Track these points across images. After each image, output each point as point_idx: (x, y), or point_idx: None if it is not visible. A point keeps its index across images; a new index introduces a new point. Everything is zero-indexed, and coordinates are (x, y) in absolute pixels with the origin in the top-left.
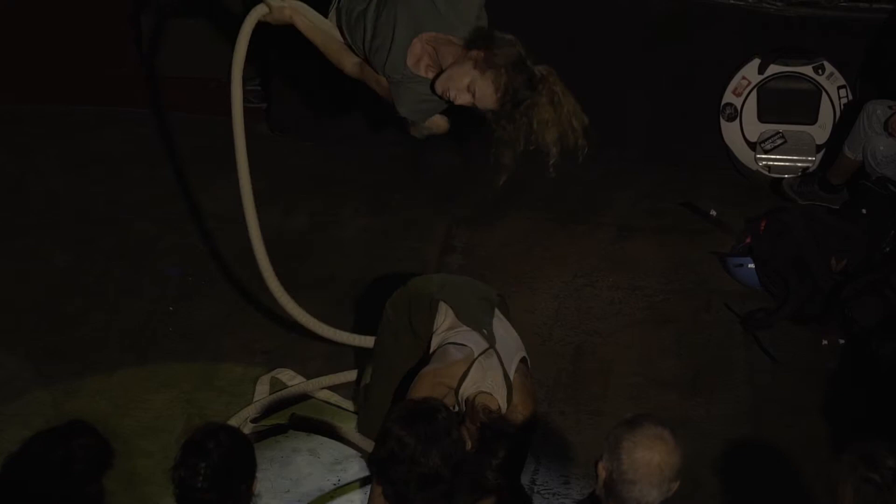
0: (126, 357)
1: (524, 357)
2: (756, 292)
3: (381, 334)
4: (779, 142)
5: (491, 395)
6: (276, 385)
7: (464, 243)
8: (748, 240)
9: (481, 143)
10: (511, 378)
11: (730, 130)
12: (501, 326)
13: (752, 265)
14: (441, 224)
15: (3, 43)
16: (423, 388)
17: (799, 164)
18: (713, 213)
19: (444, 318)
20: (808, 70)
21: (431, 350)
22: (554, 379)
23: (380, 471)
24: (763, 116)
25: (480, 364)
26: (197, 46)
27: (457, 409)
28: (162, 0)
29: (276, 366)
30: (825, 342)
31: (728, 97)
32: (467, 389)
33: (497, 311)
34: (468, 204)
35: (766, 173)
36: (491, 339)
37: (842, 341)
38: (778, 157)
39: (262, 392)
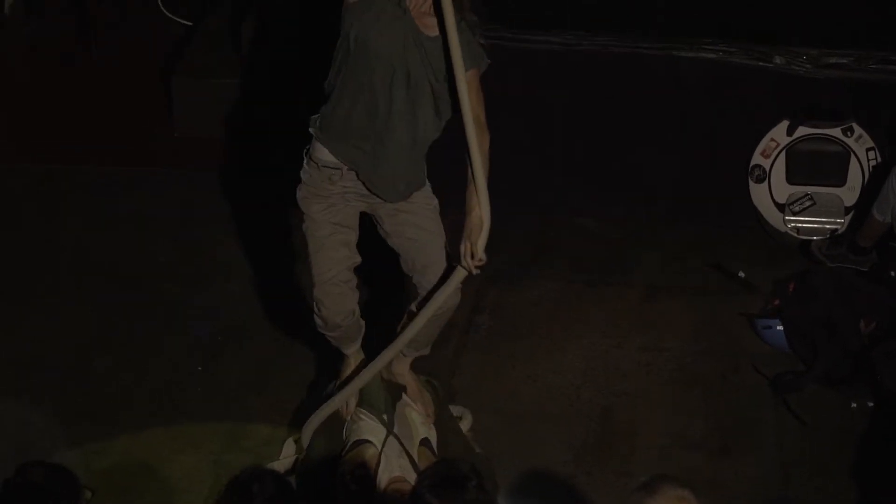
0: (154, 417)
1: (425, 438)
2: (785, 354)
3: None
4: (807, 204)
5: (403, 478)
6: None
7: (492, 303)
8: (777, 302)
9: (508, 202)
10: (416, 459)
11: (758, 192)
12: (405, 412)
13: (780, 327)
14: (469, 283)
15: (34, 105)
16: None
17: (827, 227)
18: (741, 274)
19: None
20: (836, 132)
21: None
22: (581, 440)
23: None
24: (792, 178)
25: (385, 455)
26: (226, 107)
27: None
28: (192, 61)
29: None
30: (854, 405)
31: (757, 159)
32: (381, 481)
33: (406, 399)
34: (497, 263)
35: (795, 235)
36: (390, 425)
37: (871, 404)
38: (806, 218)
39: (288, 452)
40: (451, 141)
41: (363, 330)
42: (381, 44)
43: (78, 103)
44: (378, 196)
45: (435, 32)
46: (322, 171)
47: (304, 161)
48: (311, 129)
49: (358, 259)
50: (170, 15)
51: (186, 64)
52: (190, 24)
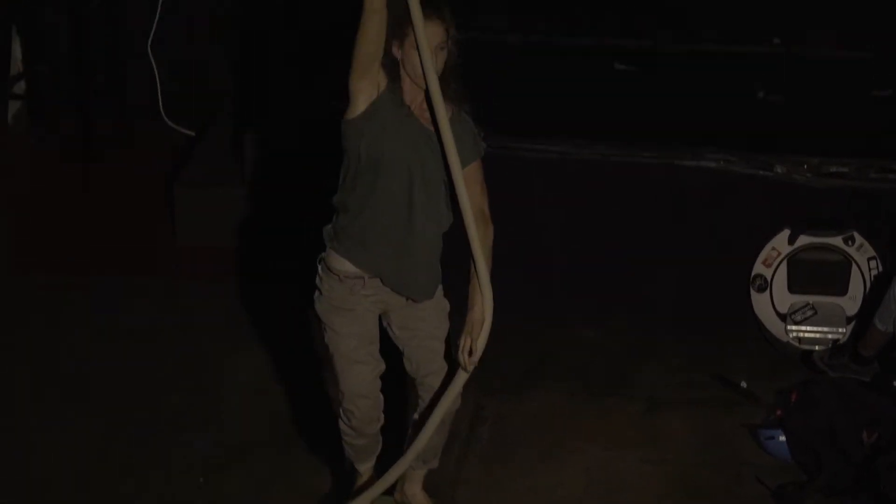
0: None
1: None
2: (788, 465)
3: None
4: (809, 313)
5: None
6: None
7: (493, 414)
8: (779, 412)
9: (507, 313)
10: None
11: (760, 301)
12: None
13: (783, 438)
14: (470, 394)
15: (36, 214)
16: None
17: (829, 336)
18: (743, 384)
19: None
20: (838, 241)
21: None
22: None
23: None
24: (793, 287)
25: None
26: (229, 217)
27: None
28: (194, 171)
29: None
30: None
31: (758, 268)
32: None
33: None
34: (497, 374)
35: (797, 345)
36: None
37: None
38: (808, 328)
39: None
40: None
41: (380, 446)
42: (394, 152)
43: (81, 212)
44: (408, 297)
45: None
46: (344, 282)
47: (320, 271)
48: (326, 241)
49: (383, 366)
50: (172, 125)
51: (189, 173)
52: (192, 133)
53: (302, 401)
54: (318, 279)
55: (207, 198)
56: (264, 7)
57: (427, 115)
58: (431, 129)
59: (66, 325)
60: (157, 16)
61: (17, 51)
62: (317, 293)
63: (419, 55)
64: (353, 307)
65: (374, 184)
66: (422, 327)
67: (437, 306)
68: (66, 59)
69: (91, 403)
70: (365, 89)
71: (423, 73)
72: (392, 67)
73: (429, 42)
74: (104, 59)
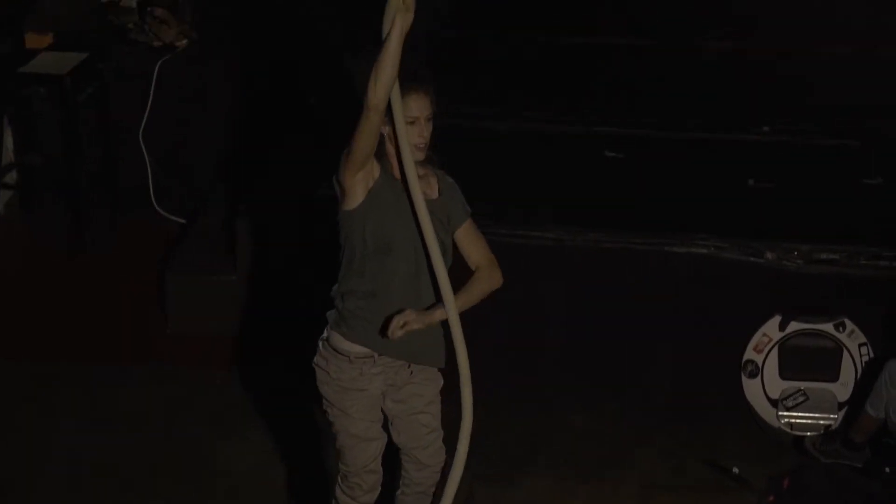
0: None
1: None
2: None
3: None
4: (800, 399)
5: None
6: None
7: (485, 499)
8: (771, 498)
9: (500, 399)
10: None
11: (751, 387)
12: None
13: None
14: (462, 480)
15: (28, 302)
16: None
17: (821, 422)
18: (736, 470)
19: None
20: (829, 327)
21: None
22: None
23: None
24: (784, 373)
25: None
26: (220, 304)
27: None
28: (185, 258)
29: None
30: None
31: (749, 354)
32: None
33: None
34: (489, 460)
35: (789, 430)
36: None
37: None
38: (800, 414)
39: None
40: None
41: None
42: (398, 232)
43: (73, 300)
44: (423, 364)
45: (434, 195)
46: (354, 363)
47: (324, 351)
48: (332, 326)
49: (386, 439)
50: (163, 212)
51: (180, 261)
52: (183, 221)
53: (296, 485)
54: (321, 361)
55: (199, 285)
56: (254, 95)
57: (421, 186)
58: (429, 198)
59: (59, 412)
60: (149, 105)
61: (8, 141)
62: (322, 374)
63: (394, 131)
64: (365, 387)
65: (383, 265)
66: (415, 401)
67: (434, 380)
68: (57, 148)
69: (84, 491)
70: (362, 181)
71: (399, 152)
72: (377, 145)
73: (404, 118)
74: (95, 149)
